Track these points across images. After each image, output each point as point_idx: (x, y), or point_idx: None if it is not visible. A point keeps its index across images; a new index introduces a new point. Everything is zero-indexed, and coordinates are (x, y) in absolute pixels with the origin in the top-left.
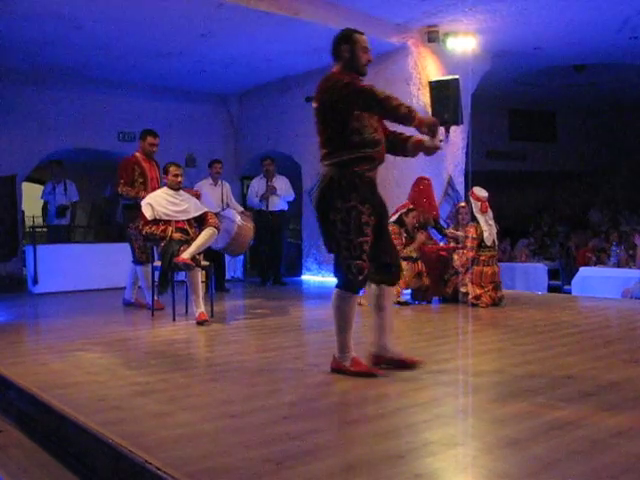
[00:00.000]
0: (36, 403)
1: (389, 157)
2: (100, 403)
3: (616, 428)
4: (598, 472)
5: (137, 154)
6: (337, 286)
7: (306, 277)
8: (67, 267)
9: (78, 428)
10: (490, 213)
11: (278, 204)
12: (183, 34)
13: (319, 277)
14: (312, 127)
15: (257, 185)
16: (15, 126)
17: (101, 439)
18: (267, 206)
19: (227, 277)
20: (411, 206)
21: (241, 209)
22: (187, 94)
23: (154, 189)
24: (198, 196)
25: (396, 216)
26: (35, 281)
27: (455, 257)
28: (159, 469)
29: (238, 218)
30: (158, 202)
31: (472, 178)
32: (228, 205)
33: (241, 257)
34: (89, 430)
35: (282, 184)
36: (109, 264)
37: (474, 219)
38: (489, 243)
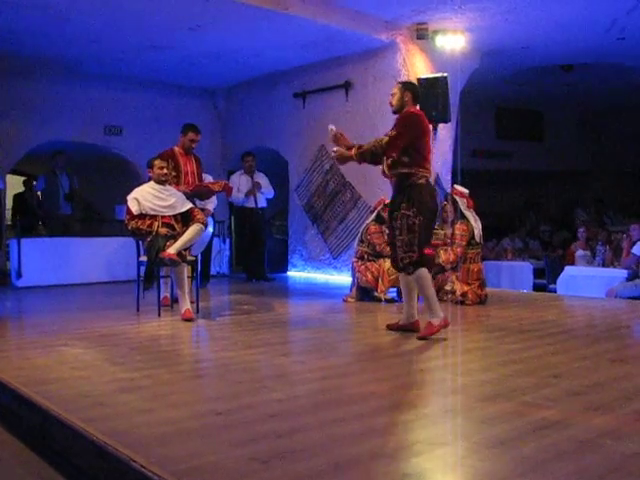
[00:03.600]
0: (19, 399)
1: None
2: (84, 399)
3: (604, 428)
4: (586, 472)
5: (175, 148)
6: None
7: (292, 273)
8: (51, 261)
9: (61, 424)
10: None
11: (261, 201)
12: (172, 27)
13: (304, 273)
14: (299, 123)
15: (238, 181)
16: None
17: (85, 436)
18: (256, 202)
19: (213, 273)
20: (387, 201)
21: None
22: (174, 88)
23: (190, 184)
24: (229, 189)
25: (374, 214)
26: (19, 275)
27: (441, 254)
28: (144, 467)
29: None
30: (144, 197)
31: (460, 176)
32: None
33: (227, 253)
34: (73, 427)
35: (263, 180)
36: (94, 258)
37: (462, 216)
38: (479, 240)
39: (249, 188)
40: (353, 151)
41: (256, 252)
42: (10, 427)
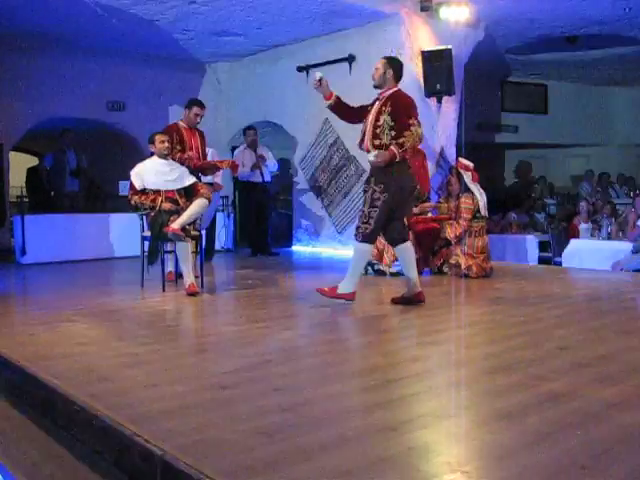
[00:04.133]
0: (23, 374)
1: None
2: (88, 374)
3: (610, 400)
4: (593, 444)
5: (180, 122)
6: None
7: (296, 248)
8: (55, 237)
9: (66, 399)
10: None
11: (266, 174)
12: (172, 2)
13: (309, 248)
14: (303, 97)
15: (242, 156)
16: (0, 94)
17: (89, 411)
18: (262, 176)
19: (217, 248)
20: None
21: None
22: (177, 63)
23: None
24: (235, 166)
25: None
26: (23, 252)
27: (447, 227)
28: (148, 441)
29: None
30: (147, 171)
31: (464, 149)
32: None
33: (231, 228)
34: (77, 402)
35: (266, 154)
36: (98, 234)
37: (467, 190)
38: (484, 213)
39: (253, 162)
40: (395, 151)
41: (260, 227)
42: (15, 402)
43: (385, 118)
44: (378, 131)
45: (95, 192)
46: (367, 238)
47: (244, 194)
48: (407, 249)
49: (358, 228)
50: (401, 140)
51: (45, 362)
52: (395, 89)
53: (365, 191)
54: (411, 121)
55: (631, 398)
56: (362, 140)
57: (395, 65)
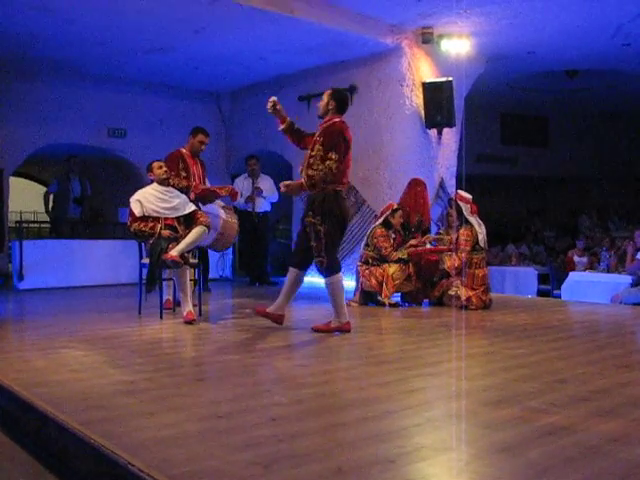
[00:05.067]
0: (17, 401)
1: (381, 159)
2: (83, 402)
3: (610, 434)
4: (593, 479)
5: (183, 149)
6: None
7: None
8: (53, 263)
9: (59, 427)
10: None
11: (263, 205)
12: (176, 30)
13: (308, 278)
14: (304, 127)
15: (241, 185)
16: (2, 120)
17: (82, 439)
18: (253, 208)
19: (216, 276)
20: (395, 206)
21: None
22: (179, 91)
23: (196, 186)
24: (235, 193)
25: (382, 218)
26: (20, 277)
27: (446, 259)
28: (142, 471)
29: (222, 213)
30: (147, 199)
31: (464, 181)
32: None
33: (230, 257)
34: (70, 429)
35: (267, 184)
36: (97, 260)
37: (466, 222)
38: (483, 245)
39: (249, 194)
40: (303, 183)
41: (259, 256)
42: (7, 430)
43: (318, 148)
44: (312, 160)
45: (96, 219)
46: (330, 270)
47: (241, 223)
48: (339, 279)
49: (316, 265)
50: (311, 172)
51: (39, 388)
52: (334, 120)
53: (306, 226)
54: (330, 154)
55: (632, 432)
56: (301, 170)
57: (338, 97)
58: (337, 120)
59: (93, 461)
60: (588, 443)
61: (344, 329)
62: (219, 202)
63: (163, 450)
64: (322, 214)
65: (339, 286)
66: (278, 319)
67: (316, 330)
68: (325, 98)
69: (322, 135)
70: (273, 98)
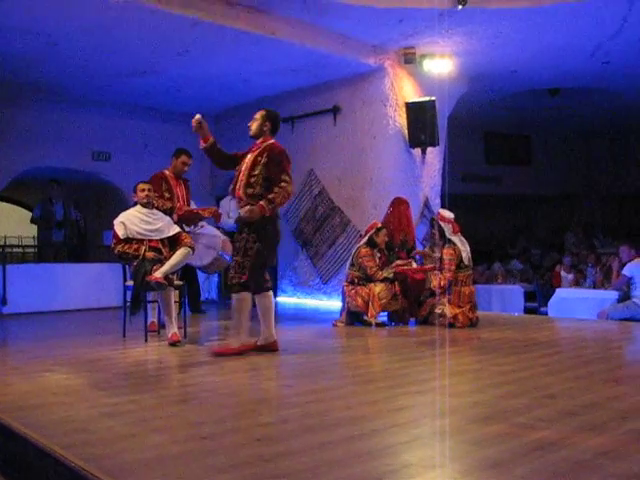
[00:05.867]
0: None
1: (366, 179)
2: (65, 425)
3: (599, 448)
4: None
5: (166, 171)
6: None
7: (281, 299)
8: (36, 287)
9: (40, 451)
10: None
11: None
12: (159, 53)
13: (294, 299)
14: (287, 148)
15: (227, 206)
16: None
17: (64, 463)
18: None
19: (202, 298)
20: (379, 225)
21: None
22: (162, 113)
23: (180, 208)
24: (218, 215)
25: (366, 238)
26: (4, 301)
27: (432, 278)
28: None
29: (219, 233)
30: (131, 221)
31: (448, 200)
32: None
33: (215, 279)
34: (52, 453)
35: None
36: (81, 284)
37: (449, 242)
38: (468, 262)
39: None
40: (265, 206)
41: None
42: None
43: (261, 169)
44: (252, 180)
45: (81, 242)
46: (244, 287)
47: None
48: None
49: (232, 279)
50: (271, 196)
51: (20, 412)
52: (271, 141)
53: (237, 241)
54: (283, 176)
55: (620, 447)
56: (234, 188)
57: (273, 118)
58: (274, 141)
59: None
60: (577, 458)
61: (249, 348)
62: (202, 223)
63: (146, 472)
64: (258, 232)
65: (247, 305)
66: (271, 346)
67: (217, 353)
68: (259, 119)
69: (265, 156)
70: (198, 116)
